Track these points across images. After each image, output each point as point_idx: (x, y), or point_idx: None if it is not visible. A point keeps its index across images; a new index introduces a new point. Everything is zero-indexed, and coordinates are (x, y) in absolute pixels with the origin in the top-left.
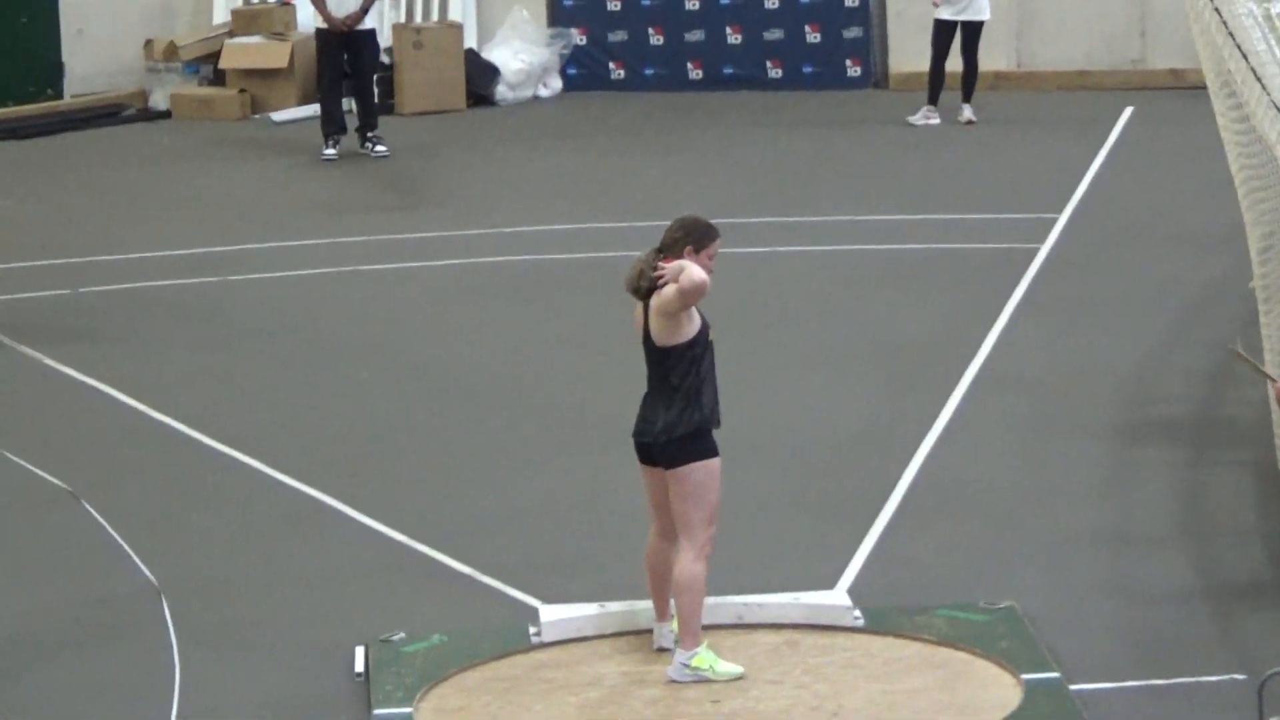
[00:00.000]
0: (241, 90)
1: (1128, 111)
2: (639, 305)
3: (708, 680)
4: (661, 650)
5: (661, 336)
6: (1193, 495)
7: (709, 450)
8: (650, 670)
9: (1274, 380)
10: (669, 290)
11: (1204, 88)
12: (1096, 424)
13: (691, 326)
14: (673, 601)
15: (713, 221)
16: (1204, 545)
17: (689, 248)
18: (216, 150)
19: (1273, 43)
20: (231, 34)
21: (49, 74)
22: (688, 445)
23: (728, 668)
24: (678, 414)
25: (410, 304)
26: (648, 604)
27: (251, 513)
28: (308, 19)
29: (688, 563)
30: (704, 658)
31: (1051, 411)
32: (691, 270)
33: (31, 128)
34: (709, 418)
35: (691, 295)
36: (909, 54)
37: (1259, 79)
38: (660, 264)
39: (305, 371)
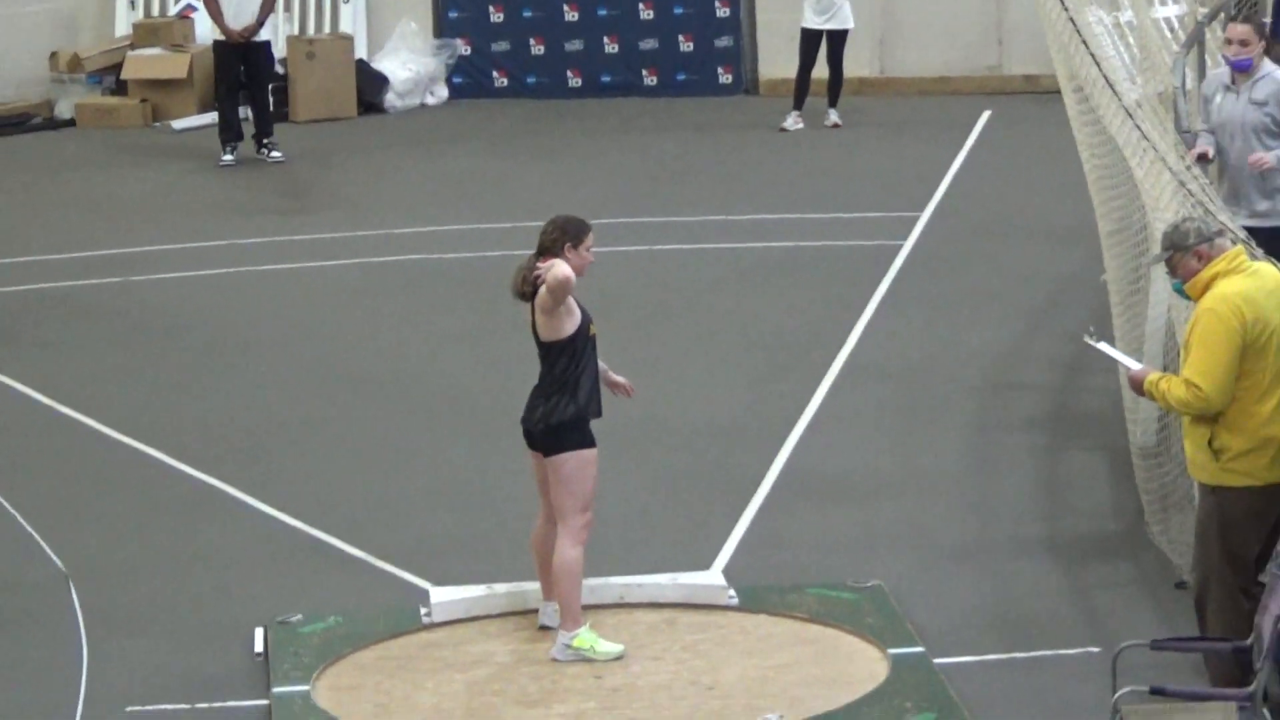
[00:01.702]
0: (143, 99)
1: (985, 115)
2: (528, 305)
3: (589, 659)
4: (546, 628)
5: (544, 333)
6: (1050, 478)
7: (584, 441)
8: (536, 649)
9: (1127, 367)
10: (542, 289)
11: (1058, 92)
12: (958, 411)
13: (571, 322)
14: None
15: (592, 221)
16: (1060, 526)
17: (567, 244)
18: (119, 157)
19: (1121, 49)
20: (133, 46)
21: None
22: (562, 435)
23: (608, 647)
24: (554, 403)
25: (305, 302)
26: (535, 585)
27: (155, 501)
28: (206, 31)
29: (564, 549)
30: (585, 638)
31: (916, 399)
32: (556, 269)
33: None
34: (584, 408)
35: (559, 291)
36: (778, 62)
37: (1110, 84)
38: (538, 265)
39: (205, 367)
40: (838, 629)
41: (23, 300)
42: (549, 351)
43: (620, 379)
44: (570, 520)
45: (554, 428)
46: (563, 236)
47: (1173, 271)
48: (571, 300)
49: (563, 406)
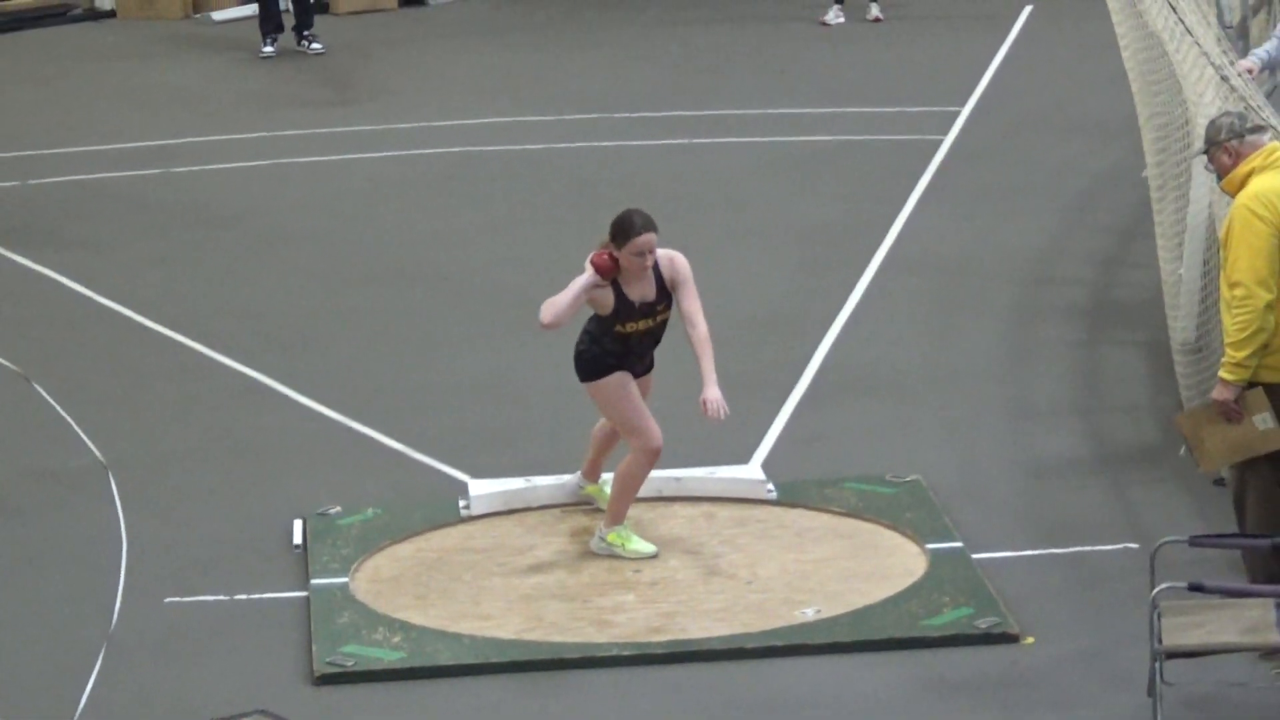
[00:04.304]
0: None
1: (1027, 9)
2: None
3: (620, 556)
4: (577, 506)
5: None
6: (1088, 373)
7: (600, 373)
8: (575, 542)
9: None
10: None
11: None
12: (998, 305)
13: (600, 309)
14: (606, 477)
15: (631, 114)
16: (1099, 421)
17: (616, 242)
18: (159, 48)
19: None
20: None
21: None
22: (580, 365)
23: (639, 546)
24: (583, 335)
25: (344, 194)
26: (573, 477)
27: (194, 393)
28: None
29: (629, 462)
30: (619, 535)
31: (955, 294)
32: (548, 303)
33: None
34: (599, 355)
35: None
36: None
37: None
38: (591, 259)
39: (244, 258)
40: (876, 523)
41: (63, 191)
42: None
43: (707, 397)
44: (628, 437)
45: (575, 358)
46: (610, 235)
47: (1212, 168)
48: (607, 298)
49: (580, 342)
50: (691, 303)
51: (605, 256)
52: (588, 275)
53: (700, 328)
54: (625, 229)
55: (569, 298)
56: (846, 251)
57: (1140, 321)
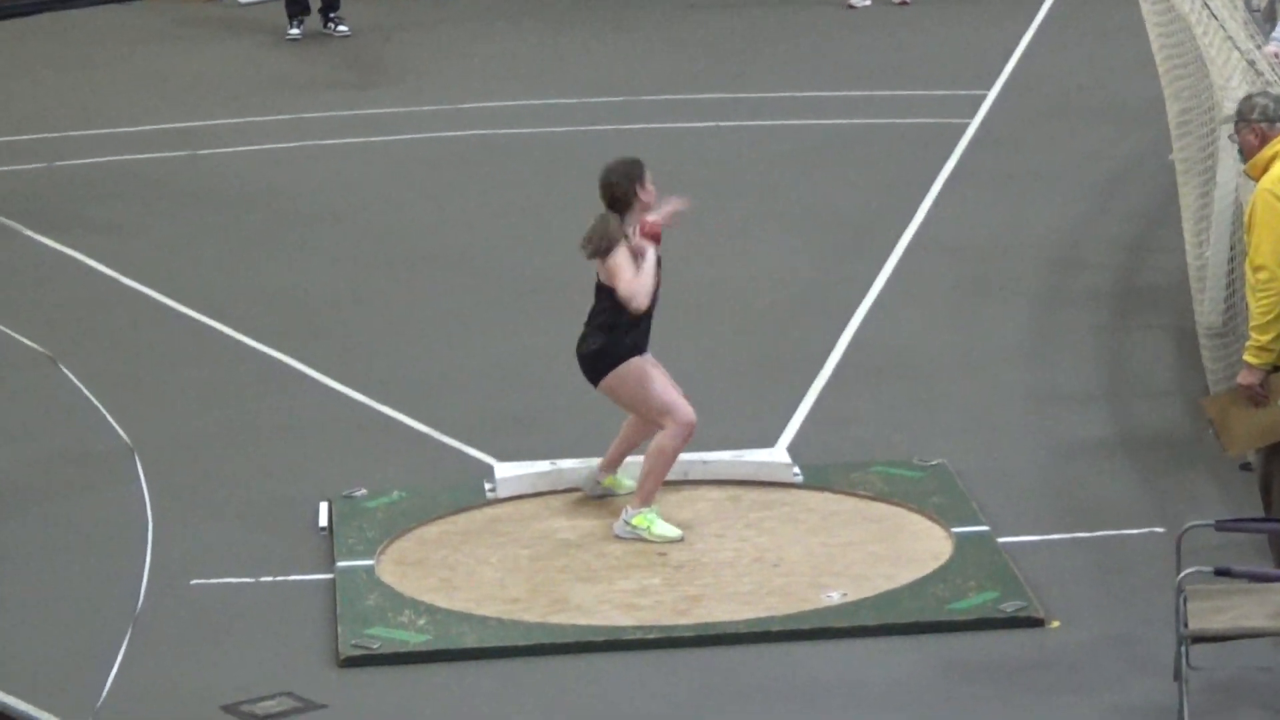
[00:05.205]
0: None
1: None
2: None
3: (645, 540)
4: (600, 497)
5: (603, 277)
6: (1114, 358)
7: (620, 359)
8: (600, 525)
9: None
10: (620, 287)
11: None
12: (1024, 289)
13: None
14: (625, 464)
15: (658, 97)
16: (1125, 405)
17: (635, 187)
18: (185, 31)
19: None
20: None
21: None
22: (594, 364)
23: (665, 530)
24: (586, 337)
25: (370, 176)
26: (598, 461)
27: (220, 375)
28: None
29: (664, 436)
30: (645, 518)
31: (981, 277)
32: (635, 286)
33: (10, 9)
34: (615, 345)
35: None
36: None
37: None
38: (638, 236)
39: (271, 241)
40: (902, 507)
41: (89, 173)
42: (600, 290)
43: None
44: (663, 419)
45: (584, 358)
46: (629, 184)
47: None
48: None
49: (591, 340)
50: None
51: (649, 224)
52: (651, 247)
53: None
54: (636, 169)
55: (649, 270)
56: (872, 235)
57: (1166, 306)
